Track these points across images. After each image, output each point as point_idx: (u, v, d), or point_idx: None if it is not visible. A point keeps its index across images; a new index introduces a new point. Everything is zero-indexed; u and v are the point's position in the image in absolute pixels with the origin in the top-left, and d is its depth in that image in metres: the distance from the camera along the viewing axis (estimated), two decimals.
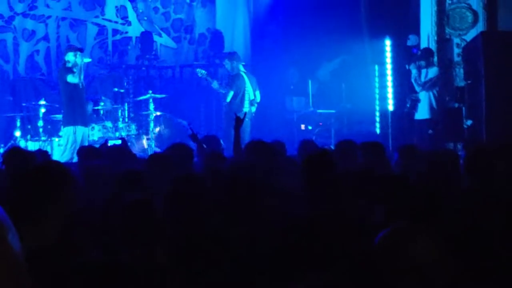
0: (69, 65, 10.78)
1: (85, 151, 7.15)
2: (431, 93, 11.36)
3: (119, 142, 8.29)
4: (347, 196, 4.31)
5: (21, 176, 3.27)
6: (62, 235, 3.10)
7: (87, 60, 10.99)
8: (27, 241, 2.92)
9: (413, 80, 11.48)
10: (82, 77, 10.79)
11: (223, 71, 14.66)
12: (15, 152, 6.16)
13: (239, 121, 6.91)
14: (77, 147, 9.59)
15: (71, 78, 10.65)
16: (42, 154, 7.06)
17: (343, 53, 14.23)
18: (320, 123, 13.94)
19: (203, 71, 12.65)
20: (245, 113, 7.67)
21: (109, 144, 7.90)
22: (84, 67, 10.93)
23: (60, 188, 3.19)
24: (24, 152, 6.37)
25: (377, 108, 13.52)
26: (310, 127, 13.92)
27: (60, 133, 11.39)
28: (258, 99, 12.21)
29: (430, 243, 2.45)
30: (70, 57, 10.83)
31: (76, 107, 10.84)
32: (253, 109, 12.24)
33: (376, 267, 2.49)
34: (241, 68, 12.18)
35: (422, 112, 11.41)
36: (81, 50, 11.20)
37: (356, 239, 3.20)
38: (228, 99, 11.89)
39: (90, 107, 11.98)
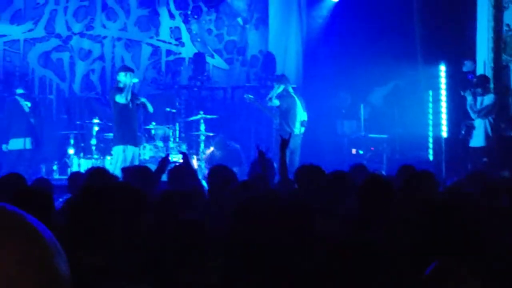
0: (121, 85, 10.88)
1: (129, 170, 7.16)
2: (486, 121, 11.19)
3: (180, 157, 8.28)
4: (407, 224, 4.22)
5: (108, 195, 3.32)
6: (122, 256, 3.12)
7: (135, 80, 11.09)
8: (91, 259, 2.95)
9: (468, 107, 11.32)
10: (129, 97, 10.85)
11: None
12: (99, 172, 6.20)
13: (285, 143, 6.75)
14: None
15: (118, 98, 10.75)
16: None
17: (396, 78, 14.11)
18: (372, 148, 13.82)
19: (251, 96, 12.74)
20: (290, 134, 7.52)
21: (170, 160, 7.90)
22: (131, 88, 10.99)
23: (138, 210, 3.25)
24: (107, 173, 6.38)
25: (431, 134, 13.34)
26: (361, 152, 13.80)
27: (112, 152, 11.50)
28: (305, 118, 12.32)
29: (477, 282, 2.42)
30: (121, 77, 10.94)
31: (126, 127, 10.92)
32: (303, 129, 12.28)
33: None
34: (291, 90, 12.22)
35: (477, 140, 11.23)
36: (132, 70, 11.30)
37: (408, 267, 3.14)
38: (277, 120, 11.95)
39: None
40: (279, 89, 12.28)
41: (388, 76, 13.98)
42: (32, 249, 0.90)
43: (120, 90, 10.80)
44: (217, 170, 6.20)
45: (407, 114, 13.92)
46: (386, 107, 14.40)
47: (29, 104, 12.32)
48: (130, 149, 10.97)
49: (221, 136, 13.31)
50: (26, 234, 0.91)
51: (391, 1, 13.69)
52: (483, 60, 12.17)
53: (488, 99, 11.21)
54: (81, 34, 14.60)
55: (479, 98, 11.22)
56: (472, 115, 11.22)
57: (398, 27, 13.79)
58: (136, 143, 11.18)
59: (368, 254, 3.05)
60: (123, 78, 10.88)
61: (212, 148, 13.10)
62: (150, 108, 11.28)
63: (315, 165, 5.99)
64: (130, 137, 10.98)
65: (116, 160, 10.96)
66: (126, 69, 11.33)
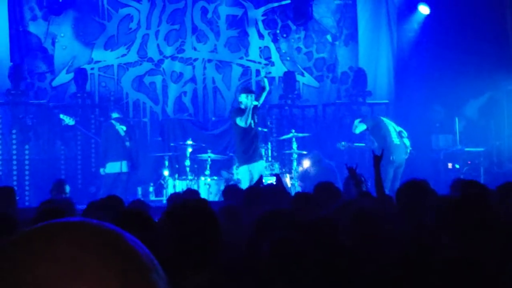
0: (242, 106, 10.86)
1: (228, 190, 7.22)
2: None
3: (273, 178, 8.29)
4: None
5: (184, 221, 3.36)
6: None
7: (255, 103, 11.05)
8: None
9: None
10: (249, 120, 10.88)
11: (366, 109, 14.58)
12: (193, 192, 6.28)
13: (377, 159, 6.60)
14: None
15: (239, 121, 10.79)
16: (193, 193, 7.19)
17: (491, 89, 13.77)
18: (469, 162, 13.49)
19: (343, 143, 12.83)
20: (383, 150, 7.34)
21: (264, 182, 7.91)
22: (251, 110, 11.00)
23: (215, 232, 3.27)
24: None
25: None
26: (457, 166, 13.49)
27: (234, 172, 11.53)
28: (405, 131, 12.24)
29: None
30: (242, 98, 10.91)
31: (247, 147, 10.94)
32: (407, 141, 12.14)
33: None
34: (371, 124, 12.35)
35: None
36: (253, 92, 11.23)
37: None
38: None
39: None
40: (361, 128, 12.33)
41: (483, 87, 13.66)
42: (130, 267, 0.91)
43: (242, 112, 10.79)
44: (323, 186, 6.24)
45: (504, 126, 13.56)
46: (482, 119, 14.06)
47: (124, 128, 12.59)
48: (254, 167, 10.97)
49: (315, 153, 13.28)
50: (124, 252, 0.92)
51: (483, 11, 13.40)
52: None
53: None
54: (173, 57, 14.87)
55: None
56: None
57: (491, 37, 13.49)
58: (257, 159, 11.17)
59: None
60: (245, 100, 10.85)
61: (308, 163, 13.07)
62: None
63: (421, 181, 5.67)
64: (251, 156, 10.96)
65: (243, 180, 10.93)
66: (248, 91, 11.27)
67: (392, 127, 12.16)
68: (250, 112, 10.77)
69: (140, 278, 0.90)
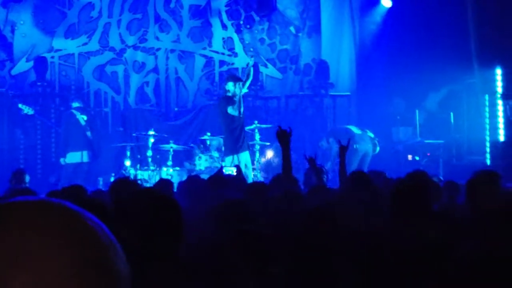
0: (229, 94, 10.77)
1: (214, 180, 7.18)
2: None
3: (233, 170, 8.32)
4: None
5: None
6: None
7: (245, 90, 10.98)
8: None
9: None
10: (242, 109, 10.81)
11: (328, 100, 14.65)
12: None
13: (343, 150, 6.74)
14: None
15: (231, 111, 10.68)
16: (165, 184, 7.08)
17: (451, 83, 13.92)
18: (428, 154, 13.65)
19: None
20: (349, 140, 7.46)
21: (224, 173, 7.94)
22: (242, 98, 10.96)
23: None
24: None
25: (488, 138, 13.10)
26: (417, 158, 13.64)
27: (223, 163, 11.42)
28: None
29: None
30: (230, 86, 10.83)
31: (238, 136, 10.84)
32: (370, 134, 12.37)
33: None
34: None
35: None
36: (241, 80, 11.14)
37: None
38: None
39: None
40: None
41: (443, 81, 13.80)
42: (87, 245, 0.90)
43: (232, 102, 10.71)
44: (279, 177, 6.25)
45: (463, 118, 13.73)
46: (442, 112, 14.22)
47: (85, 117, 12.49)
48: (242, 157, 10.92)
49: (277, 145, 13.32)
50: (81, 230, 0.91)
51: (445, 6, 13.53)
52: None
53: None
54: (135, 47, 14.76)
55: None
56: None
57: (452, 32, 13.62)
58: (245, 149, 11.06)
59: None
60: (232, 88, 10.79)
61: (271, 153, 13.11)
62: None
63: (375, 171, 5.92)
64: (241, 146, 10.88)
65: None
66: (236, 79, 11.17)
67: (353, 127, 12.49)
68: (242, 100, 10.76)
69: (98, 256, 0.90)
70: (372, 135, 12.51)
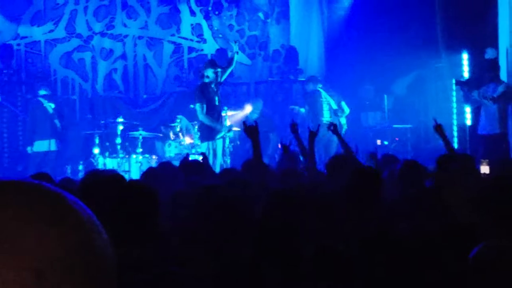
0: (207, 80, 10.61)
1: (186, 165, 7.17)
2: (499, 108, 11.09)
3: (200, 157, 8.35)
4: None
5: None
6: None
7: (224, 77, 10.93)
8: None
9: (477, 96, 11.21)
10: (219, 96, 10.76)
11: (297, 86, 14.68)
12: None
13: (312, 135, 6.93)
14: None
15: (208, 97, 10.56)
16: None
17: (419, 68, 14.02)
18: (397, 138, 13.76)
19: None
20: (318, 126, 7.62)
21: (190, 159, 7.94)
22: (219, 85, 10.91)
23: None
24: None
25: (455, 122, 13.24)
26: (386, 142, 13.74)
27: (199, 149, 11.31)
28: (346, 110, 12.44)
29: None
30: (209, 73, 10.65)
31: (213, 123, 10.77)
32: (342, 120, 12.45)
33: (472, 283, 2.45)
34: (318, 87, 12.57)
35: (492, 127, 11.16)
36: (219, 66, 10.94)
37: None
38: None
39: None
40: None
41: (411, 65, 13.88)
42: (71, 228, 0.89)
43: (210, 89, 10.60)
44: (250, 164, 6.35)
45: (431, 103, 13.84)
46: (410, 97, 14.33)
47: (52, 105, 12.37)
48: (217, 143, 10.90)
49: (258, 101, 13.62)
50: (63, 213, 0.90)
51: None
52: (505, 47, 12.04)
53: (502, 86, 11.07)
54: (102, 34, 14.63)
55: (491, 85, 11.09)
56: (486, 102, 11.06)
57: (420, 17, 13.71)
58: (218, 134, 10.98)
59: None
60: (212, 75, 10.67)
61: (249, 108, 13.19)
62: None
63: (346, 156, 6.05)
64: (216, 133, 10.80)
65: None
66: (215, 65, 10.96)
67: (327, 105, 12.52)
68: (219, 87, 10.71)
69: (82, 239, 0.89)
70: (344, 121, 12.64)
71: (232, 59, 11.30)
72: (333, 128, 7.53)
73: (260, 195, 4.59)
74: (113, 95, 14.50)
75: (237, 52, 11.52)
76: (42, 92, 12.49)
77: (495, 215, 3.44)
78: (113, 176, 5.24)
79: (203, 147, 10.86)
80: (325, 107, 12.60)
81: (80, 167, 12.86)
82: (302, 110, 13.17)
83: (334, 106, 12.61)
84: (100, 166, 11.83)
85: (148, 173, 6.46)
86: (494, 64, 11.46)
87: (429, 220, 3.83)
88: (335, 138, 12.24)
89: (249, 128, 6.54)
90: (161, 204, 3.71)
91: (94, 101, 14.32)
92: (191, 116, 13.03)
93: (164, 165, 7.20)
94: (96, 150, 12.42)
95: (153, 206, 3.47)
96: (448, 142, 7.17)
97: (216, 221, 3.57)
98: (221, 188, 4.47)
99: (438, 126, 7.30)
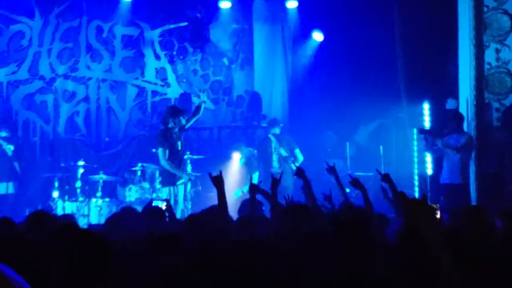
0: (169, 126, 10.74)
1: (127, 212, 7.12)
2: (462, 158, 11.23)
3: (163, 203, 8.28)
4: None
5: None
6: None
7: (189, 125, 11.11)
8: None
9: (441, 145, 11.36)
10: (181, 141, 10.91)
11: (260, 132, 14.71)
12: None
13: (275, 182, 6.97)
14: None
15: (170, 142, 10.67)
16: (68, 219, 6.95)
17: (381, 117, 14.17)
18: None
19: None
20: (281, 174, 7.66)
21: (153, 205, 7.90)
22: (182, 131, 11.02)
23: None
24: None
25: (416, 171, 13.35)
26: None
27: (160, 195, 11.27)
28: (300, 158, 12.36)
29: None
30: (170, 121, 10.79)
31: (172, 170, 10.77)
32: (293, 166, 12.38)
33: None
34: (277, 131, 12.51)
35: (453, 177, 11.28)
36: (182, 114, 11.03)
37: None
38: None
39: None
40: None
41: (373, 114, 14.03)
42: None
43: (172, 135, 10.71)
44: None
45: (392, 152, 13.94)
46: (372, 145, 14.42)
47: (12, 147, 12.24)
48: (179, 189, 10.86)
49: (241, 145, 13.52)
50: None
51: (375, 41, 13.80)
52: (465, 98, 12.22)
53: (465, 137, 11.24)
54: (65, 76, 14.58)
55: (453, 135, 11.25)
56: (449, 152, 11.22)
57: (382, 66, 13.89)
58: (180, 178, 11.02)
59: None
60: (172, 124, 10.79)
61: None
62: None
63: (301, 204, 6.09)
64: (178, 178, 10.85)
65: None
66: (176, 113, 11.01)
67: (277, 155, 12.51)
68: (182, 133, 10.81)
69: None
70: (294, 167, 12.66)
71: (199, 107, 11.37)
72: (299, 173, 7.51)
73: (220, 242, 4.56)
74: (74, 138, 14.38)
75: (205, 102, 11.58)
76: (2, 134, 12.38)
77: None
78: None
79: (164, 192, 10.81)
80: (275, 157, 12.61)
81: None
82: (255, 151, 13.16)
83: (284, 154, 12.60)
84: (59, 210, 11.67)
85: (111, 220, 6.40)
86: (457, 115, 11.62)
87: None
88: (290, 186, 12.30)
89: (214, 178, 6.55)
90: (120, 252, 3.67)
91: (55, 143, 14.19)
92: (154, 160, 12.98)
93: (127, 212, 7.15)
94: (55, 194, 12.27)
95: (104, 259, 3.43)
96: (395, 191, 7.16)
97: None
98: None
99: (385, 175, 7.35)
